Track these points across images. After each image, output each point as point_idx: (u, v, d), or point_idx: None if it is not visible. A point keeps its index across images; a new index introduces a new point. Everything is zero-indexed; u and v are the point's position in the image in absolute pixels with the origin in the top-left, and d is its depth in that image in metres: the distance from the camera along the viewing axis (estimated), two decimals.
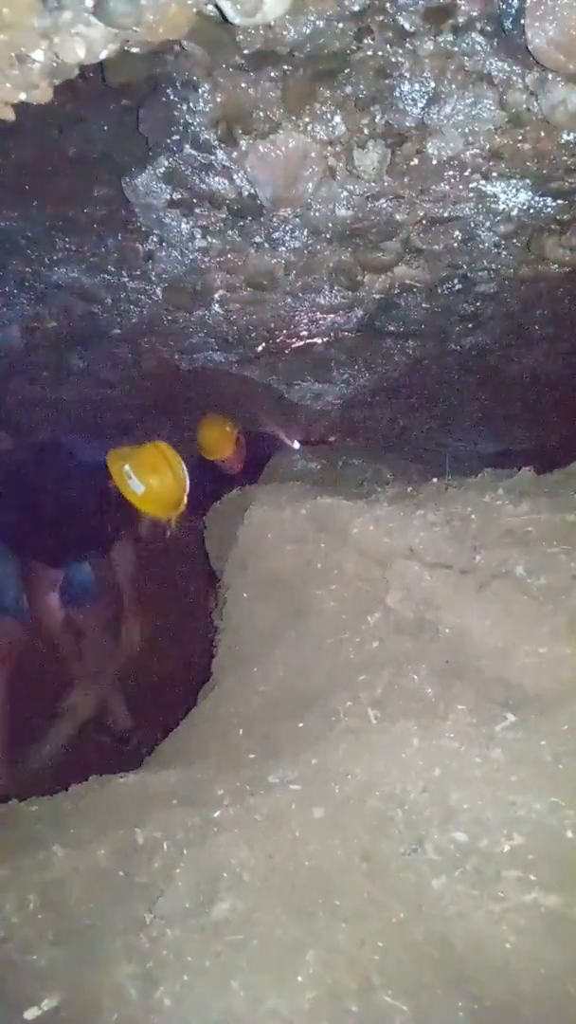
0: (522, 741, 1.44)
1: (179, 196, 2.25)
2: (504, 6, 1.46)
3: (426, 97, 1.74)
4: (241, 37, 1.55)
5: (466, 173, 1.99)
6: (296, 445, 4.14)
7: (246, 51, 1.61)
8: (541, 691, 1.55)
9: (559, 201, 2.16)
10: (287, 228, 2.33)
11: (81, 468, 3.30)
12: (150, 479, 3.06)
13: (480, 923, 1.15)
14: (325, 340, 3.11)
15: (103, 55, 1.08)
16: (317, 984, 1.07)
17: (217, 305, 2.83)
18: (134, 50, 1.26)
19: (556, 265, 2.51)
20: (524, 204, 2.12)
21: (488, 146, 1.87)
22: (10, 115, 1.11)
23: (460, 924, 1.15)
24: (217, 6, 1.19)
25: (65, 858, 1.45)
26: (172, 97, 1.87)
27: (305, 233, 2.34)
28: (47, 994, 1.14)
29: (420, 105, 1.76)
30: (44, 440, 3.99)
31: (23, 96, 1.07)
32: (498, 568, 1.87)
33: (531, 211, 2.16)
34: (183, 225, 2.38)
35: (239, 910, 1.22)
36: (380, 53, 1.64)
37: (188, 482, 3.19)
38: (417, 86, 1.72)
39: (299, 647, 2.10)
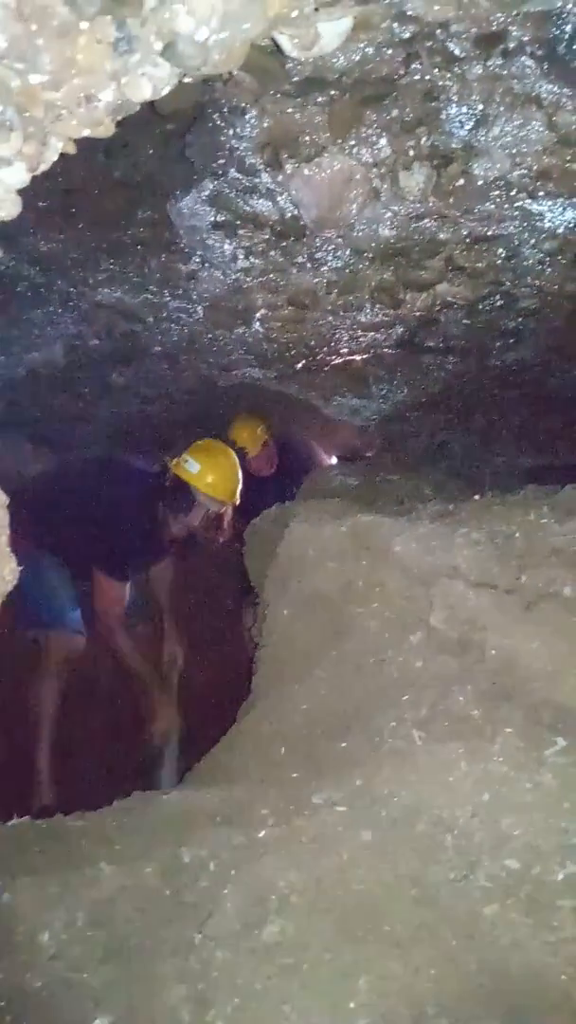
0: (574, 766, 1.42)
1: (223, 218, 2.27)
2: (557, 31, 1.46)
3: (473, 119, 1.74)
4: (291, 65, 1.57)
5: (512, 193, 1.98)
6: (333, 460, 4.15)
7: (295, 78, 1.63)
8: None
9: None
10: (330, 248, 2.34)
11: (135, 478, 3.53)
12: (203, 458, 3.42)
13: (535, 954, 1.13)
14: (364, 357, 3.12)
15: (165, 91, 1.11)
16: (370, 1012, 1.06)
17: (258, 323, 2.85)
18: (186, 80, 1.28)
19: None
20: (571, 222, 2.11)
21: (536, 166, 1.86)
22: (72, 149, 1.14)
23: (514, 954, 1.13)
24: (275, 41, 1.21)
25: (112, 875, 1.45)
26: (219, 123, 1.90)
27: (347, 253, 2.35)
28: (100, 1014, 1.15)
29: (467, 127, 1.77)
30: (97, 454, 4.12)
31: (87, 132, 1.11)
32: (545, 588, 1.85)
33: None
34: (226, 246, 2.41)
35: (289, 933, 1.21)
36: (428, 77, 1.65)
37: (240, 473, 3.47)
38: (464, 109, 1.73)
39: (341, 665, 2.09)
